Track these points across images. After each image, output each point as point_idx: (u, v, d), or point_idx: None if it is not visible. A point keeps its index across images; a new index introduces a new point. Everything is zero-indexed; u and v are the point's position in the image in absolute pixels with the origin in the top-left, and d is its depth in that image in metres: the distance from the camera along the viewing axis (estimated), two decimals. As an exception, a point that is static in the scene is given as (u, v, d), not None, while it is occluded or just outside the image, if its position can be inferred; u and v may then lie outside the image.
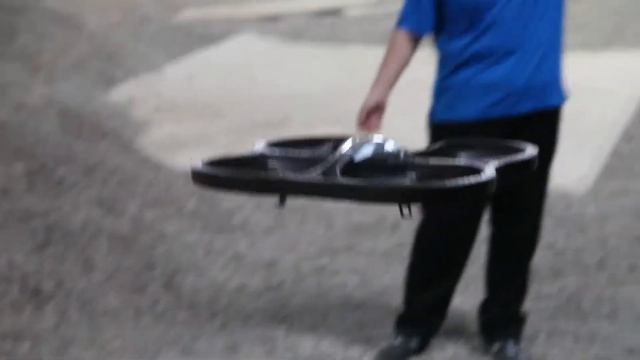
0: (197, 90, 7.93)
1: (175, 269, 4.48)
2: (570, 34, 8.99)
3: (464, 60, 3.50)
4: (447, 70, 3.55)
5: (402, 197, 2.19)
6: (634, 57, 8.59)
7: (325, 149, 2.57)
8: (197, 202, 5.27)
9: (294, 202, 5.49)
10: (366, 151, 2.31)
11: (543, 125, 3.57)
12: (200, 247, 4.80)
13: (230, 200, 5.38)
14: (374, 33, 9.34)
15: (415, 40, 3.55)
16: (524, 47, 3.47)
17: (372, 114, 3.45)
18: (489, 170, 2.26)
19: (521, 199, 3.62)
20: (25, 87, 6.35)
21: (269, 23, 10.06)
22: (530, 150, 2.62)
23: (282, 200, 2.32)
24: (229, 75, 8.42)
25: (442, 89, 3.57)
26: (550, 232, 4.90)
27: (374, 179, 2.27)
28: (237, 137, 6.83)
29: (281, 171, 2.29)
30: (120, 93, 7.67)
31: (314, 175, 2.21)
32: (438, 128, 3.56)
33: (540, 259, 4.64)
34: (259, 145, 2.45)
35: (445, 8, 3.52)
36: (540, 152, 3.04)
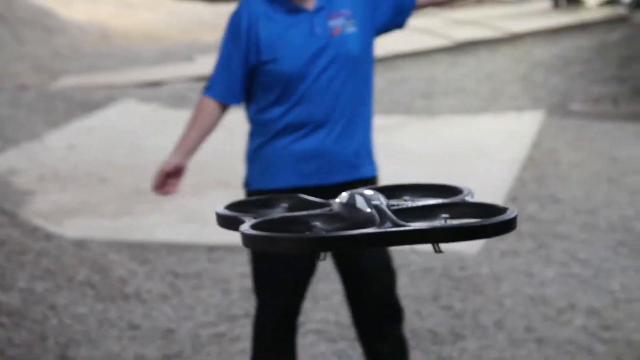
0: (80, 158, 7.81)
1: (69, 341, 4.36)
2: (449, 98, 9.22)
3: (278, 130, 3.54)
4: (261, 139, 3.58)
5: (468, 235, 2.24)
6: (512, 120, 8.79)
7: (337, 204, 2.54)
8: (88, 271, 5.16)
9: (188, 268, 5.45)
10: (381, 199, 2.34)
11: None
12: (93, 317, 4.69)
13: (122, 268, 5.28)
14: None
15: (222, 109, 3.58)
16: (335, 119, 3.54)
17: (170, 178, 3.50)
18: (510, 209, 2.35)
19: (364, 263, 3.63)
20: None
21: (150, 89, 10.01)
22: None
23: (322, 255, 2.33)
24: (111, 142, 8.32)
25: (256, 158, 3.60)
26: (447, 294, 4.94)
27: (426, 221, 2.32)
28: (123, 204, 6.74)
29: (325, 228, 2.29)
30: (1, 163, 7.50)
31: (385, 225, 2.23)
32: (254, 195, 3.59)
33: (439, 321, 4.67)
34: (221, 208, 2.40)
35: (257, 78, 3.55)
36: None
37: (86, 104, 9.24)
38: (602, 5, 12.71)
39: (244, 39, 3.52)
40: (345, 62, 3.53)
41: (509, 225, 2.26)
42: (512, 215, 2.26)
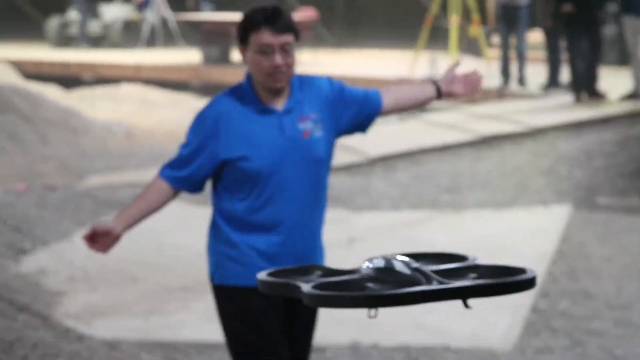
0: (108, 257, 7.76)
1: None
2: (475, 193, 9.22)
3: (242, 226, 3.61)
4: (225, 233, 3.64)
5: (509, 289, 2.52)
6: (539, 214, 8.78)
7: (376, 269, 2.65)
8: (121, 373, 5.14)
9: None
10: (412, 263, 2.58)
11: None
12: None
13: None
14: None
15: (173, 193, 3.66)
16: (299, 220, 3.62)
17: (101, 237, 3.62)
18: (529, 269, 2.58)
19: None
20: None
21: (175, 188, 10.07)
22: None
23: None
24: (138, 240, 8.29)
25: (221, 253, 3.66)
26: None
27: (460, 280, 2.56)
28: (152, 303, 6.73)
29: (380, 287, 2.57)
30: (31, 264, 7.52)
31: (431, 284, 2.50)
32: (219, 289, 3.68)
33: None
34: (264, 275, 2.63)
35: (225, 173, 3.62)
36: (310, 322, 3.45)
37: (113, 202, 9.27)
38: (623, 100, 12.77)
39: (211, 134, 3.59)
40: (312, 165, 3.62)
41: (533, 282, 2.47)
42: (535, 274, 2.49)
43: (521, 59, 14.14)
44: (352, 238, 7.65)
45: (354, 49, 22.42)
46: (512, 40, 14.09)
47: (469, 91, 3.67)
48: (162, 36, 22.16)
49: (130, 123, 14.52)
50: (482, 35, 16.60)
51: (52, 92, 16.55)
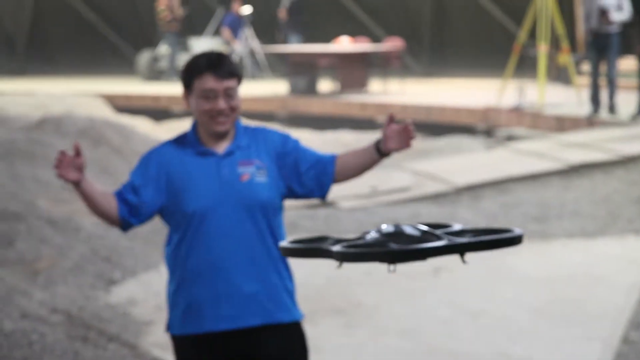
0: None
1: None
2: (564, 222, 9.10)
3: (185, 272, 3.60)
4: (174, 282, 3.65)
5: (504, 244, 3.09)
6: (630, 244, 8.63)
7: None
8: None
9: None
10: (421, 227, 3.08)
11: (276, 341, 3.64)
12: None
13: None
14: (367, 223, 9.39)
15: (117, 214, 3.59)
16: (238, 262, 3.60)
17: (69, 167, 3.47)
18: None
19: None
20: (25, 294, 6.30)
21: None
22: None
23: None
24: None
25: (173, 302, 3.65)
26: None
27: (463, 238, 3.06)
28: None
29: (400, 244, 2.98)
30: (120, 294, 7.62)
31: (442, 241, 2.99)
32: (175, 339, 3.66)
33: None
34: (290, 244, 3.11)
35: (165, 219, 3.65)
36: None
37: (201, 234, 9.35)
38: None
39: (153, 179, 3.63)
40: (251, 209, 3.60)
41: (522, 238, 3.06)
42: (521, 232, 3.07)
43: (612, 86, 13.94)
44: (437, 268, 7.60)
45: (441, 77, 22.37)
46: (602, 68, 13.92)
47: (402, 146, 3.63)
48: (250, 68, 22.38)
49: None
50: (571, 63, 16.44)
51: (142, 125, 16.81)
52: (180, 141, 3.71)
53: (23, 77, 25.51)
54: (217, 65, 3.60)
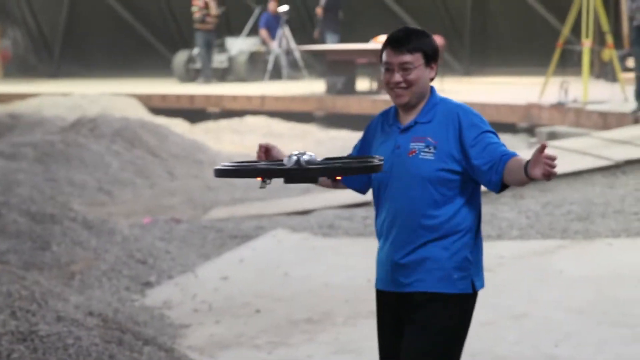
0: (232, 289, 7.78)
1: None
2: (608, 221, 8.87)
3: (377, 234, 4.01)
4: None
5: (363, 170, 3.65)
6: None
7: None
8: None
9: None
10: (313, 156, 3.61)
11: (428, 308, 3.83)
12: None
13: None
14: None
15: None
16: (404, 227, 3.85)
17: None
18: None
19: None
20: (61, 297, 6.24)
21: (299, 218, 9.97)
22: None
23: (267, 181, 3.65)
24: (262, 272, 8.28)
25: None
26: None
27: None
28: (277, 336, 6.65)
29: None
30: (156, 297, 7.53)
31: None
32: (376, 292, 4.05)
33: None
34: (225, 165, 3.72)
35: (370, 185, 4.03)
36: (422, 335, 3.71)
37: (237, 235, 9.25)
38: None
39: (366, 145, 4.08)
40: (412, 179, 3.82)
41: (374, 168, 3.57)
42: (381, 162, 3.62)
43: (657, 82, 13.66)
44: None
45: (482, 75, 22.16)
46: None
47: (546, 176, 3.62)
48: (287, 67, 22.27)
49: (255, 155, 14.55)
50: (616, 59, 16.16)
51: (178, 126, 16.75)
52: (387, 111, 4.01)
53: (58, 78, 25.60)
54: (397, 40, 3.86)
